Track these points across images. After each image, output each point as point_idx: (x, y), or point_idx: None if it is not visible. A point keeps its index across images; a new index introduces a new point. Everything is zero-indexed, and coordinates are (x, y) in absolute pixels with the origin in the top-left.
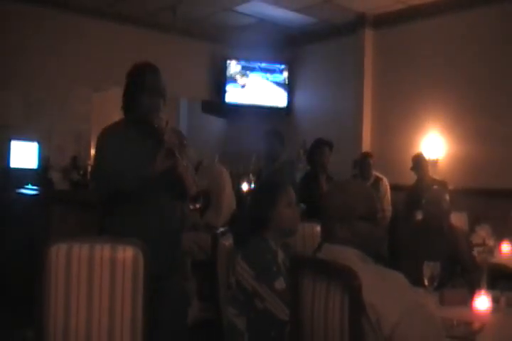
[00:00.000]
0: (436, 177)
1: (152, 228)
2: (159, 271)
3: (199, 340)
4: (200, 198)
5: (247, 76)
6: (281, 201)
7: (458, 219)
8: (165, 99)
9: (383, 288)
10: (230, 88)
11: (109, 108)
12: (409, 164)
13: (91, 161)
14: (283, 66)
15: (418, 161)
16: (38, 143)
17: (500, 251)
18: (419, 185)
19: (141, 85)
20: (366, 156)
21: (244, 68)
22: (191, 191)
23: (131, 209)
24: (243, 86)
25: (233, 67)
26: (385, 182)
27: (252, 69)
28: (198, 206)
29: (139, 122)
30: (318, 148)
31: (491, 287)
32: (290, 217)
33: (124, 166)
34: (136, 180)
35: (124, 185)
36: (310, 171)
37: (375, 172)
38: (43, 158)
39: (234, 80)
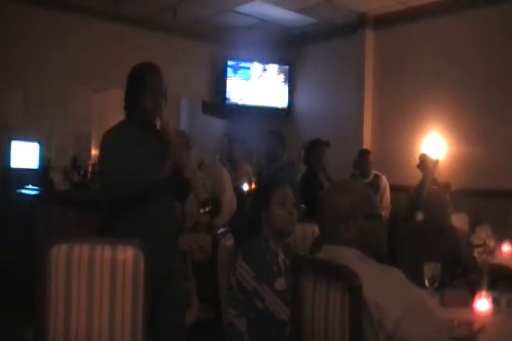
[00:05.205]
0: (438, 177)
1: (152, 228)
2: (159, 273)
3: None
4: (209, 203)
5: (247, 76)
6: (272, 201)
7: (458, 220)
8: (166, 99)
9: (385, 286)
10: (230, 88)
11: (109, 108)
12: (410, 164)
13: (91, 161)
14: (283, 66)
15: (422, 161)
16: (39, 143)
17: (500, 251)
18: (421, 186)
19: (143, 85)
20: (364, 153)
21: (244, 68)
22: (201, 194)
23: (131, 210)
24: (243, 86)
25: (233, 67)
26: (384, 179)
27: (253, 70)
28: (207, 210)
29: (142, 123)
30: (316, 149)
31: (492, 288)
32: (282, 217)
33: (131, 171)
34: (144, 186)
35: (132, 191)
36: (309, 172)
37: (374, 170)
38: (43, 159)
39: (234, 81)
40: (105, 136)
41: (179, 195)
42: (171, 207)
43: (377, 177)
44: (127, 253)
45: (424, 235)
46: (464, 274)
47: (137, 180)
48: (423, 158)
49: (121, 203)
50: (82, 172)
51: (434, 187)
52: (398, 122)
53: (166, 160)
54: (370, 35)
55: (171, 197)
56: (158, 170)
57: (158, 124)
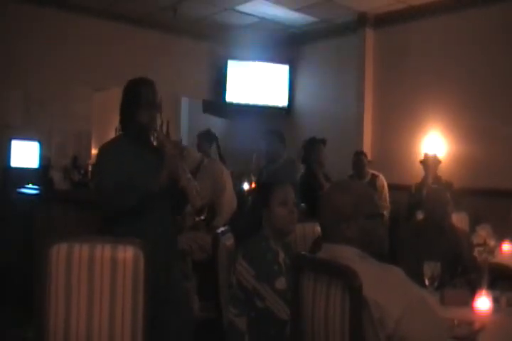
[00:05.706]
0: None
1: (150, 234)
2: (159, 273)
3: (199, 340)
4: (205, 210)
5: (247, 75)
6: (273, 200)
7: (459, 219)
8: (161, 112)
9: (386, 285)
10: (230, 88)
11: (109, 107)
12: (411, 164)
13: (91, 160)
14: (284, 65)
15: (424, 160)
16: (39, 142)
17: (501, 251)
18: (422, 184)
19: (138, 100)
20: (360, 155)
21: (244, 67)
22: (196, 203)
23: (130, 218)
24: (243, 85)
25: (234, 66)
26: (382, 179)
27: (253, 69)
28: (202, 218)
29: (138, 137)
30: (313, 147)
31: (492, 287)
32: (283, 215)
33: (128, 183)
34: (141, 196)
35: (129, 201)
36: (308, 171)
37: (371, 170)
38: (43, 158)
39: (234, 80)
40: (102, 150)
41: (176, 206)
42: (168, 213)
43: (374, 177)
44: (127, 253)
45: (425, 234)
46: (464, 273)
47: (134, 191)
48: (425, 158)
49: (119, 213)
50: (82, 171)
51: (435, 185)
52: (398, 122)
53: (162, 170)
54: (370, 34)
55: (169, 210)
56: (154, 180)
57: (154, 138)
